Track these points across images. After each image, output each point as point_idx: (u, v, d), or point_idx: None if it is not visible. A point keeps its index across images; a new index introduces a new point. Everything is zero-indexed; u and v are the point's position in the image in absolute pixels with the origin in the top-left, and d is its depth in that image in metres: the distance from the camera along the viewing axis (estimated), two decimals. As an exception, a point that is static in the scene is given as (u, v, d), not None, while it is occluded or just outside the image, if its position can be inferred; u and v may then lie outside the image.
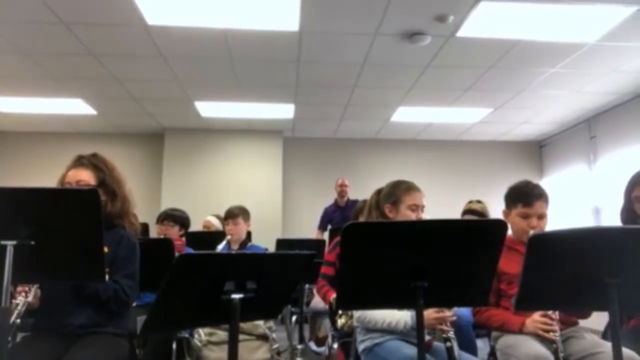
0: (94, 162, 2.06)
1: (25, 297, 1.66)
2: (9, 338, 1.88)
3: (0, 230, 1.35)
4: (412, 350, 1.94)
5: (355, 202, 4.76)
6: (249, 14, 3.93)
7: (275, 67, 5.02)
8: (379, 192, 2.36)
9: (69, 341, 1.77)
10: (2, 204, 1.40)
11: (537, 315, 1.97)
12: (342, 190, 6.36)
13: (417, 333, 1.50)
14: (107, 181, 2.05)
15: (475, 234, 1.53)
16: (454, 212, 4.05)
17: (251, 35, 4.28)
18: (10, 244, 1.36)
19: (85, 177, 2.00)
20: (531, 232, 2.04)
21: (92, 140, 7.38)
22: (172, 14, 3.95)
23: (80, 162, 2.05)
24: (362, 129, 7.40)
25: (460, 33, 4.17)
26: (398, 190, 2.24)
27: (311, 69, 5.05)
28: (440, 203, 5.21)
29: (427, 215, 2.31)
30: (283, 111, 6.50)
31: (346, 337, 2.52)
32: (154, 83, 5.52)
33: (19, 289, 1.68)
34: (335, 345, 2.65)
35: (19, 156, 7.50)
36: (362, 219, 2.93)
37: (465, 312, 2.69)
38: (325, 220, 6.30)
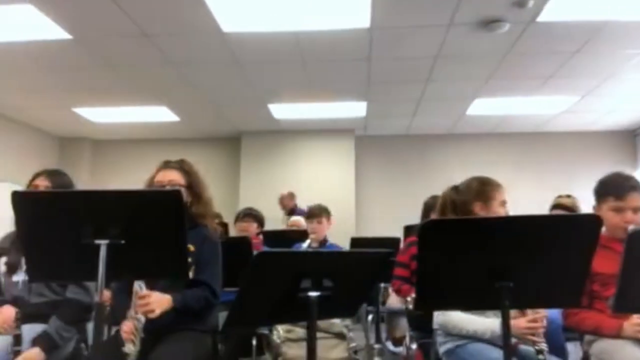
0: (182, 166, 2.20)
1: (133, 344, 1.75)
2: (106, 330, 2.02)
3: (94, 231, 1.45)
4: (496, 354, 1.85)
5: None
6: (320, 15, 3.96)
7: (346, 65, 5.01)
8: (455, 189, 2.25)
9: (156, 337, 1.86)
10: (96, 206, 1.51)
11: (636, 318, 1.81)
12: None
13: (502, 335, 1.42)
14: (194, 183, 2.17)
15: (566, 231, 1.42)
16: (535, 208, 3.81)
17: (322, 35, 4.30)
18: (103, 243, 1.45)
19: (176, 177, 2.14)
20: (630, 227, 1.87)
21: (175, 145, 7.81)
22: (245, 21, 4.07)
23: (168, 165, 2.20)
24: (436, 124, 7.21)
25: (541, 18, 3.93)
26: (488, 187, 2.15)
27: (383, 65, 4.99)
28: (520, 199, 4.94)
29: (509, 212, 2.19)
30: (355, 109, 6.49)
31: (425, 337, 2.45)
32: (230, 88, 5.73)
33: (126, 335, 1.76)
34: (414, 346, 2.59)
35: (111, 162, 8.11)
36: (433, 217, 2.83)
37: (554, 313, 2.52)
38: None
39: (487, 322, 1.93)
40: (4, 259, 2.17)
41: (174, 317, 1.91)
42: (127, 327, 1.79)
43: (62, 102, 6.25)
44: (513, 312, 1.87)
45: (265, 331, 2.77)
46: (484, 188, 2.16)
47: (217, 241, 2.16)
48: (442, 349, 2.05)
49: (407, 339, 2.77)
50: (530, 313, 1.86)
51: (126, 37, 4.35)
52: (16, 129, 7.07)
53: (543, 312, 1.90)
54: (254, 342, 2.70)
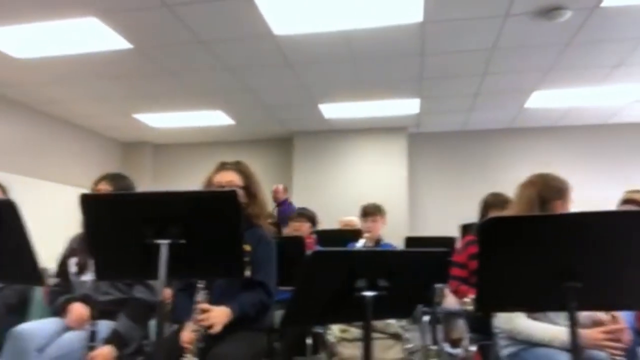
0: (239, 167, 2.26)
1: (193, 354, 1.80)
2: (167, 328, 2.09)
3: (155, 231, 1.50)
4: (562, 357, 1.76)
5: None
6: (371, 12, 3.92)
7: (398, 62, 4.94)
8: (532, 184, 2.10)
9: (213, 337, 1.91)
10: (157, 207, 1.56)
11: None
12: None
13: (570, 340, 1.34)
14: (250, 184, 2.22)
15: (637, 227, 1.32)
16: (603, 204, 3.58)
17: (373, 32, 4.26)
18: (164, 243, 1.50)
19: (233, 178, 2.20)
20: None
21: (230, 147, 8.03)
22: (296, 22, 4.10)
23: (226, 166, 2.25)
24: (494, 118, 6.96)
25: (607, 2, 3.70)
26: (565, 185, 2.06)
27: (436, 60, 4.88)
28: (586, 195, 4.67)
29: (574, 209, 2.08)
30: (407, 107, 6.38)
31: (484, 339, 2.36)
32: (282, 90, 5.80)
33: (186, 345, 1.82)
34: (473, 348, 2.50)
35: (171, 165, 8.43)
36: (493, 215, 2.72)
37: (626, 316, 2.36)
38: None
39: (555, 330, 1.83)
40: (74, 259, 2.30)
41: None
42: (187, 338, 1.84)
43: (124, 109, 6.56)
44: (584, 319, 1.78)
45: (319, 330, 2.78)
46: (561, 185, 2.07)
47: (272, 241, 2.19)
48: (504, 352, 1.97)
49: (466, 341, 2.69)
50: (606, 320, 1.75)
51: (183, 44, 4.50)
52: (83, 135, 7.50)
53: (622, 324, 1.78)
54: (309, 341, 2.71)
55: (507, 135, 7.40)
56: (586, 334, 1.71)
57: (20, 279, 2.05)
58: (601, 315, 1.77)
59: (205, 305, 1.84)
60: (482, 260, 1.40)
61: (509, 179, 2.27)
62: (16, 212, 1.63)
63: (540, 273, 1.37)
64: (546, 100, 6.05)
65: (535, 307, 1.68)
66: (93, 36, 4.31)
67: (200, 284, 1.88)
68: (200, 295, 1.86)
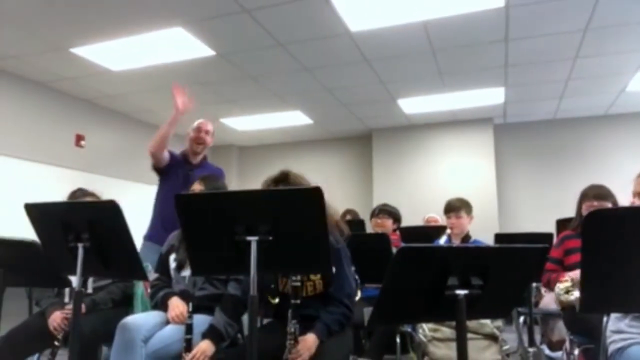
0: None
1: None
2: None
3: (246, 228, 1.55)
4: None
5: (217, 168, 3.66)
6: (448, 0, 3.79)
7: (479, 50, 4.73)
8: None
9: (302, 330, 1.94)
10: (247, 205, 1.61)
11: None
12: (198, 137, 3.88)
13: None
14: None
15: None
16: None
17: (452, 21, 4.11)
18: (254, 239, 1.55)
19: None
20: None
21: (310, 147, 8.16)
22: (372, 17, 4.06)
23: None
24: (588, 105, 6.44)
25: None
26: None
27: (522, 45, 4.61)
28: None
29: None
30: (491, 97, 6.09)
31: (589, 343, 2.19)
32: (360, 87, 5.77)
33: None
34: (576, 352, 2.33)
35: (255, 166, 8.72)
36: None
37: None
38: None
39: None
40: (173, 256, 2.44)
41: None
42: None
43: (211, 114, 6.85)
44: None
45: (408, 329, 2.73)
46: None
47: (338, 247, 2.10)
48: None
49: (568, 344, 2.51)
50: None
51: (262, 48, 4.63)
52: (175, 140, 7.96)
53: None
54: (398, 339, 2.66)
55: (604, 122, 6.82)
56: None
57: (126, 275, 2.22)
58: None
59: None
60: (586, 257, 1.30)
61: (608, 170, 2.10)
62: (119, 212, 1.76)
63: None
64: (650, 81, 5.51)
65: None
66: (179, 46, 4.56)
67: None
68: (291, 327, 1.88)
